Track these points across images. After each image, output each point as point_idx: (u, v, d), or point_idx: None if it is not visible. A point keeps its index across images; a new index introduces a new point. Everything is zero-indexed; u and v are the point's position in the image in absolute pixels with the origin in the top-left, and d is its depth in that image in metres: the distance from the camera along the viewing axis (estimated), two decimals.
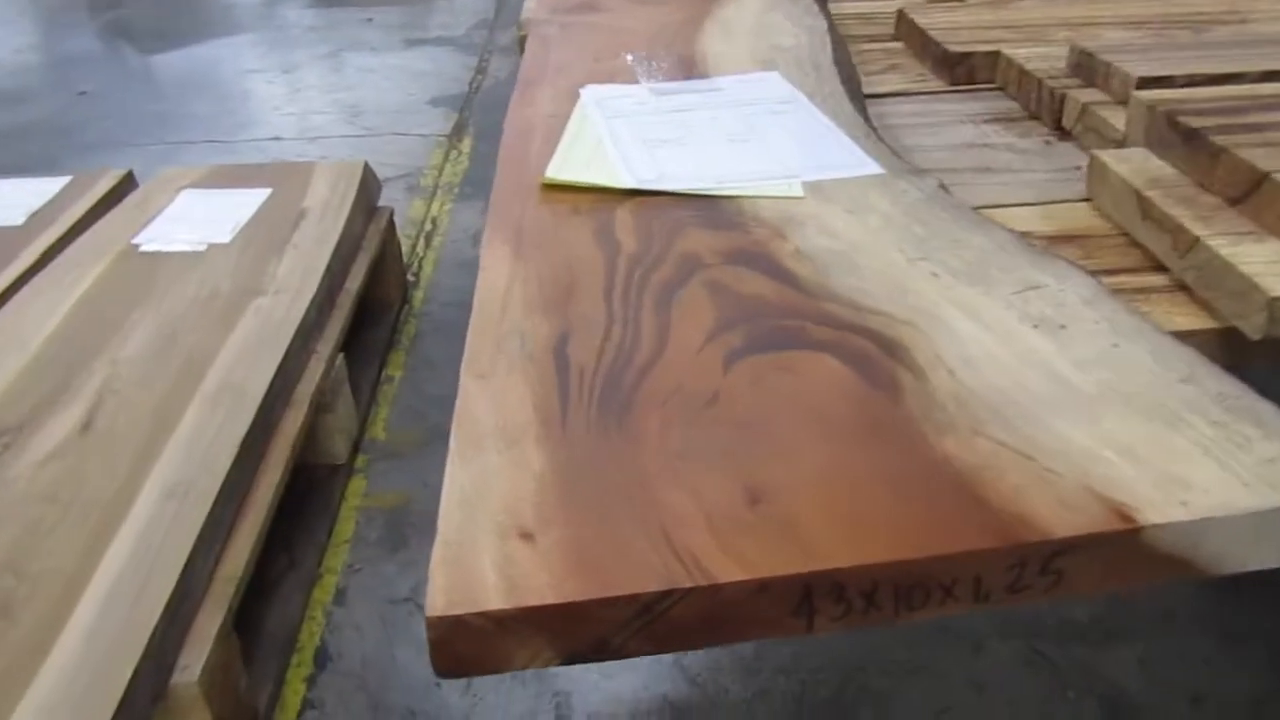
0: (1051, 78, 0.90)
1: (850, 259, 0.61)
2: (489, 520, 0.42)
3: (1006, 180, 0.80)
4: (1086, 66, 0.87)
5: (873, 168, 0.74)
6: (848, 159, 0.76)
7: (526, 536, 0.41)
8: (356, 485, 1.93)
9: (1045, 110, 0.89)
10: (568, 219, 0.68)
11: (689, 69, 0.98)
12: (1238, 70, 0.80)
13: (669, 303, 0.58)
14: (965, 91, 0.99)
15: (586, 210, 0.69)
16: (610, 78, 0.96)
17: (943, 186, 0.71)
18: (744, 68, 0.98)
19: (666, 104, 0.88)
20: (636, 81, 0.95)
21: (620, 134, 0.81)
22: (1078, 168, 0.81)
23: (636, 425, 0.47)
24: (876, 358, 0.52)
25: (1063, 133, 0.87)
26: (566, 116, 0.86)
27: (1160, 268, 0.65)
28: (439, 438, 1.94)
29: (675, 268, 0.61)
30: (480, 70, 3.76)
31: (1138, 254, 0.67)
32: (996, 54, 0.99)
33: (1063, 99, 0.86)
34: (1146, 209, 0.66)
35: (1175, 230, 0.63)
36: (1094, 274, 0.59)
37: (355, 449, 1.98)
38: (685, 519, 0.42)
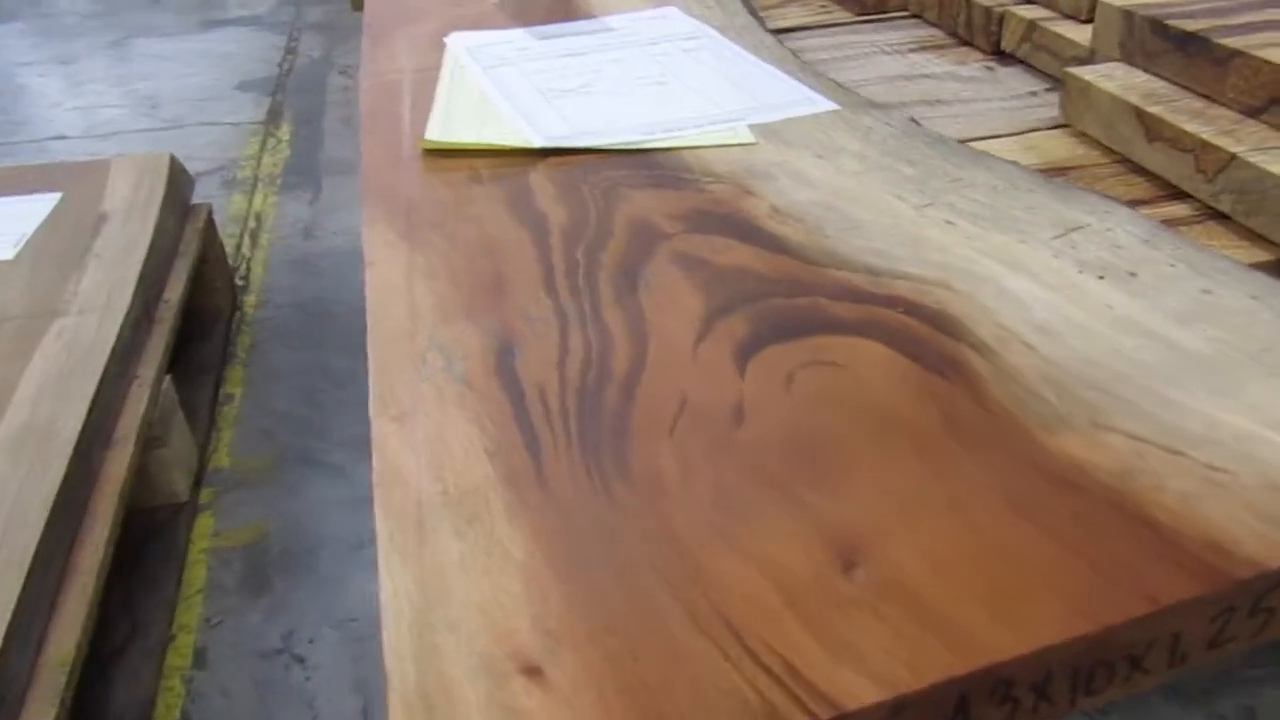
0: None
1: (843, 212, 0.49)
2: (467, 652, 0.27)
3: (960, 112, 0.69)
4: None
5: (825, 103, 0.62)
6: (791, 95, 0.63)
7: (532, 672, 0.26)
8: (204, 524, 1.70)
9: (979, 33, 0.79)
10: (468, 189, 0.53)
11: (569, 8, 0.83)
12: None
13: (634, 288, 0.44)
14: (879, 20, 0.88)
15: (490, 178, 0.54)
16: (476, 23, 0.80)
17: (914, 120, 0.60)
18: (633, 3, 0.84)
19: (554, 49, 0.73)
20: (509, 26, 0.79)
21: (510, 85, 0.66)
22: (1033, 93, 0.72)
23: (644, 466, 0.33)
24: (927, 336, 0.39)
25: (1004, 56, 0.77)
26: (434, 70, 0.70)
27: (1178, 194, 0.56)
28: (291, 459, 1.73)
29: (628, 241, 0.47)
30: (290, 50, 3.46)
31: (1145, 182, 0.57)
32: None
33: (1001, 19, 0.77)
34: (1154, 129, 0.56)
35: (1198, 149, 0.53)
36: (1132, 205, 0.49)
37: (198, 483, 1.74)
38: (756, 603, 0.28)
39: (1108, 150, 0.61)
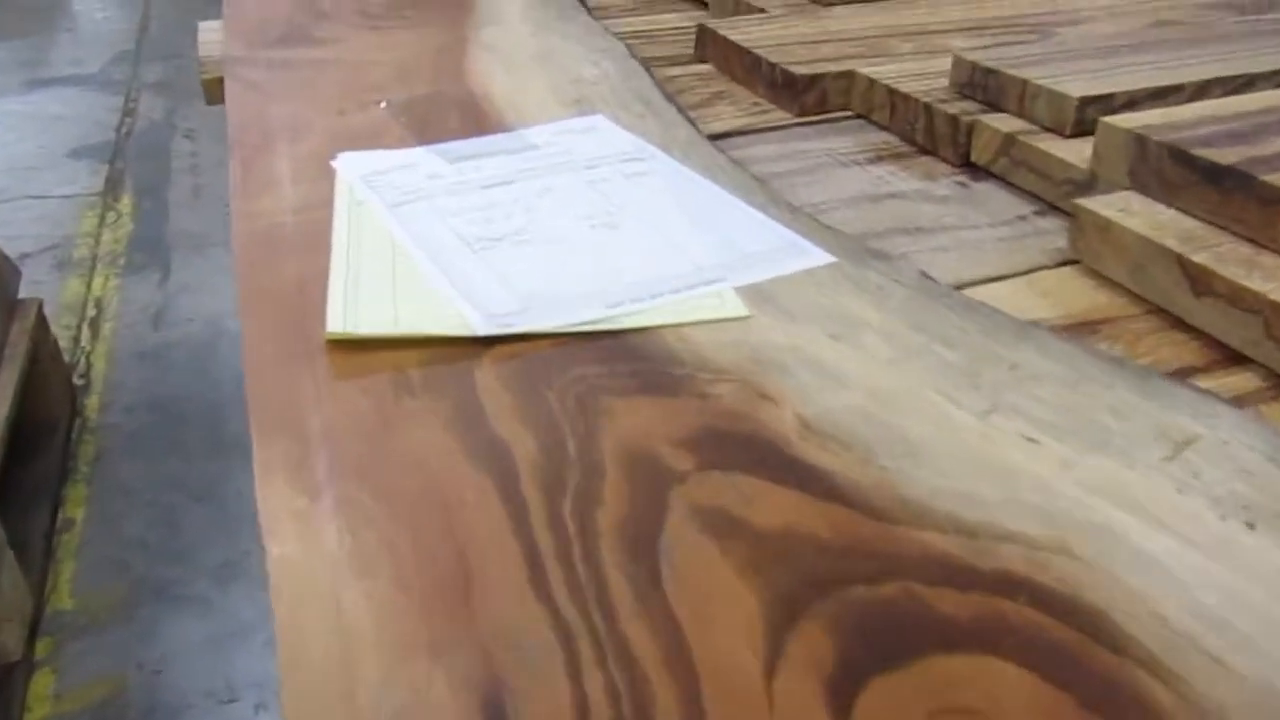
0: (941, 101, 0.72)
1: (891, 426, 0.38)
2: None
3: (946, 244, 0.61)
4: (987, 85, 0.70)
5: (817, 253, 0.52)
6: (772, 239, 0.53)
7: None
8: (42, 684, 1.47)
9: (943, 143, 0.71)
10: (397, 405, 0.40)
11: (479, 119, 0.71)
12: (1175, 82, 0.66)
13: (655, 574, 0.32)
14: (822, 123, 0.80)
15: (423, 383, 0.42)
16: (372, 139, 0.67)
17: (926, 276, 0.50)
18: (552, 112, 0.72)
19: (472, 176, 0.61)
20: (410, 143, 0.67)
21: (427, 234, 0.53)
22: (1021, 217, 0.64)
23: None
24: (1073, 646, 0.29)
25: (974, 169, 0.70)
26: (324, 209, 0.57)
27: (1238, 358, 0.48)
28: (147, 592, 1.52)
29: (629, 489, 0.35)
30: (128, 112, 3.20)
31: (1194, 341, 0.49)
32: (851, 75, 0.80)
33: (970, 129, 0.69)
34: (1201, 280, 0.49)
35: (1268, 311, 0.46)
36: (1234, 401, 0.40)
37: (33, 633, 1.51)
38: None
39: (1136, 298, 0.53)
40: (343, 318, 0.44)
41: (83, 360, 2.02)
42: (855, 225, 0.62)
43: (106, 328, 2.12)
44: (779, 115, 0.81)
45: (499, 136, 0.67)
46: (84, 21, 3.93)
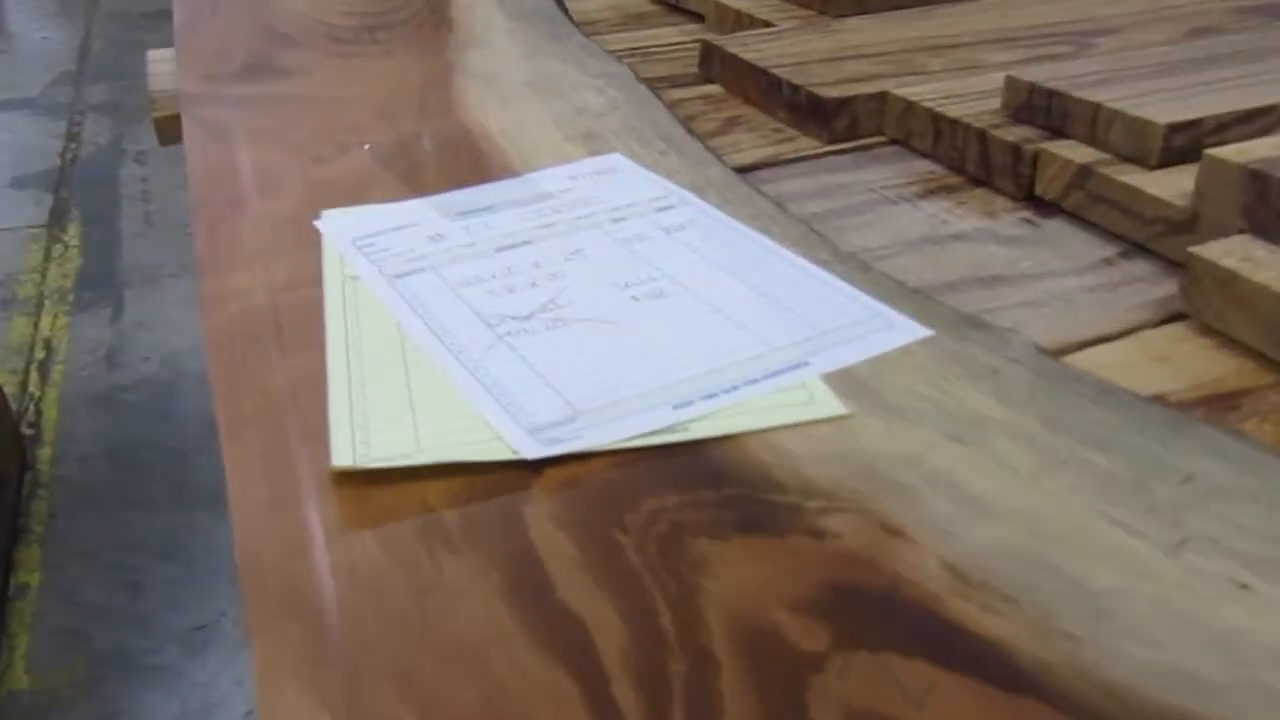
0: (995, 127, 0.65)
1: (1061, 571, 0.31)
2: None
3: (1033, 296, 0.53)
4: (1049, 108, 0.63)
5: (907, 325, 0.44)
6: (850, 308, 0.45)
7: None
8: None
9: (1000, 174, 0.64)
10: (430, 567, 0.31)
11: (478, 162, 0.62)
12: (1263, 104, 0.59)
13: None
14: (855, 151, 0.72)
15: (460, 531, 0.33)
16: (357, 190, 0.58)
17: (1042, 351, 0.43)
18: (561, 151, 0.64)
19: (483, 235, 0.52)
20: (402, 194, 0.58)
21: (441, 314, 0.45)
22: (1107, 260, 0.56)
23: None
24: None
25: (1038, 203, 0.62)
26: (311, 284, 0.48)
27: None
28: (110, 665, 1.40)
29: (751, 684, 0.27)
30: (73, 137, 3.06)
31: None
32: (884, 97, 0.73)
33: (1035, 159, 0.61)
34: None
35: None
36: None
37: None
38: None
39: (1269, 361, 0.46)
40: (351, 445, 0.35)
41: (31, 408, 1.90)
42: (922, 275, 0.55)
43: (56, 371, 2.00)
44: (806, 143, 0.73)
45: (505, 183, 0.59)
46: (22, 42, 3.77)
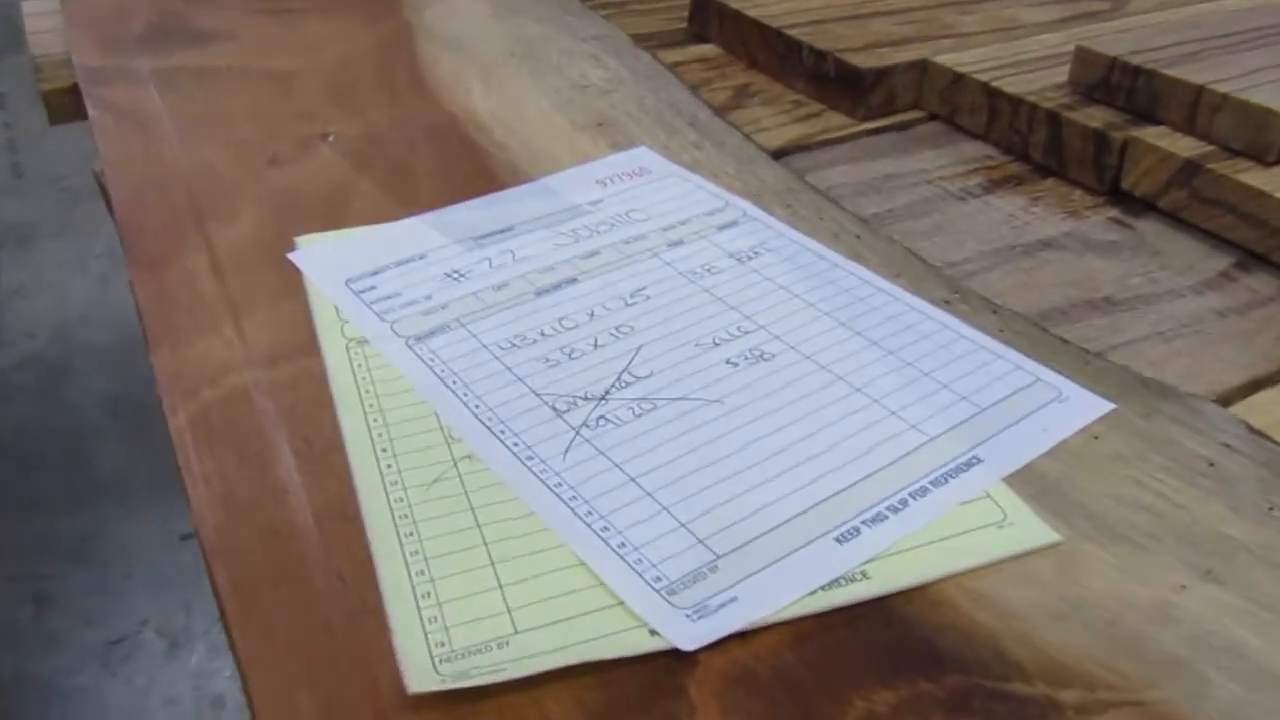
0: (1067, 108, 0.56)
1: None
2: None
3: (1157, 324, 0.45)
4: (1134, 88, 0.55)
5: (1082, 396, 0.35)
6: (1007, 375, 0.36)
7: None
8: None
9: (1076, 164, 0.55)
10: None
11: (475, 160, 0.51)
12: None
13: None
14: (894, 129, 0.63)
15: None
16: (331, 203, 0.46)
17: (1254, 430, 0.35)
18: (572, 143, 0.53)
19: (512, 270, 0.42)
20: (392, 208, 0.47)
21: (487, 395, 0.34)
22: (1224, 275, 0.49)
23: None
24: None
25: (1124, 198, 0.54)
26: (305, 352, 0.37)
27: None
28: (21, 694, 1.26)
29: None
30: None
31: None
32: (925, 66, 0.63)
33: (1123, 148, 0.53)
34: None
35: None
36: None
37: None
38: None
39: None
40: (427, 652, 0.25)
41: None
42: (1022, 297, 0.46)
43: None
44: (835, 120, 0.64)
45: (520, 192, 0.48)
46: None
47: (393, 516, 0.29)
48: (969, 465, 0.32)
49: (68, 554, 1.40)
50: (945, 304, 0.40)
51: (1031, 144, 0.58)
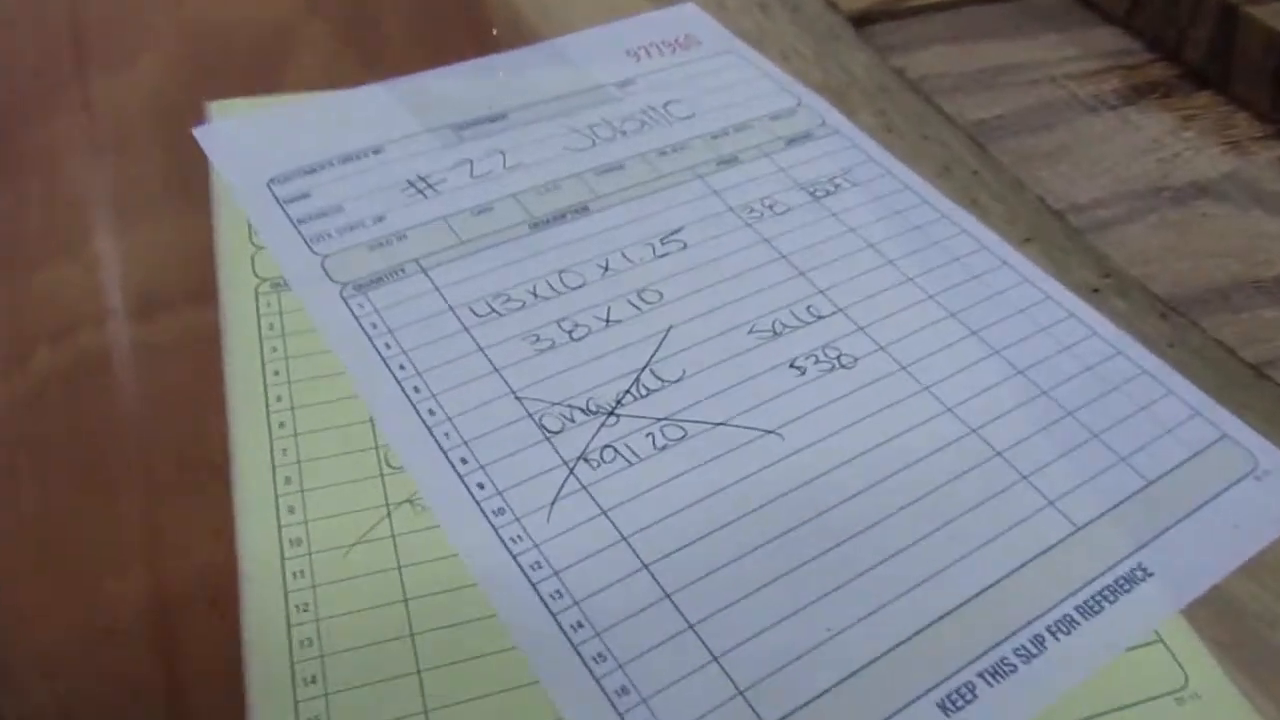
0: (1249, 1, 0.43)
1: None
2: None
3: None
4: None
5: (1272, 456, 0.25)
6: (1181, 427, 0.25)
7: None
8: None
9: (1242, 75, 0.43)
10: None
11: (466, 8, 0.38)
12: None
13: None
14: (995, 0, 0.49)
15: None
16: (262, 59, 0.34)
17: None
18: None
19: (504, 180, 0.30)
20: (346, 65, 0.34)
21: (449, 396, 0.24)
22: None
23: None
24: None
25: None
26: (196, 301, 0.26)
27: None
28: None
29: None
30: None
31: None
32: None
33: None
34: None
35: None
36: None
37: None
38: None
39: None
40: None
41: None
42: (1170, 267, 0.35)
43: None
44: None
45: (524, 56, 0.35)
46: None
47: (280, 561, 0.19)
48: (1130, 582, 0.22)
49: None
50: (1094, 293, 0.29)
51: (1190, 41, 0.45)
